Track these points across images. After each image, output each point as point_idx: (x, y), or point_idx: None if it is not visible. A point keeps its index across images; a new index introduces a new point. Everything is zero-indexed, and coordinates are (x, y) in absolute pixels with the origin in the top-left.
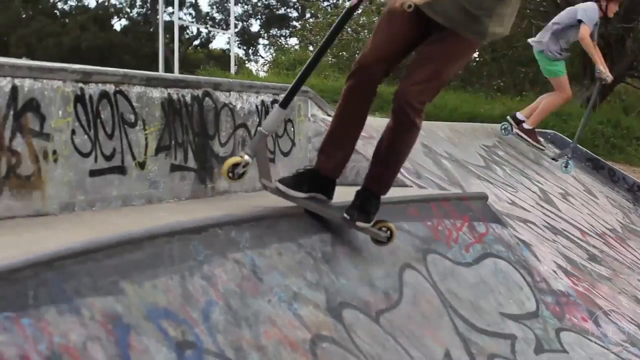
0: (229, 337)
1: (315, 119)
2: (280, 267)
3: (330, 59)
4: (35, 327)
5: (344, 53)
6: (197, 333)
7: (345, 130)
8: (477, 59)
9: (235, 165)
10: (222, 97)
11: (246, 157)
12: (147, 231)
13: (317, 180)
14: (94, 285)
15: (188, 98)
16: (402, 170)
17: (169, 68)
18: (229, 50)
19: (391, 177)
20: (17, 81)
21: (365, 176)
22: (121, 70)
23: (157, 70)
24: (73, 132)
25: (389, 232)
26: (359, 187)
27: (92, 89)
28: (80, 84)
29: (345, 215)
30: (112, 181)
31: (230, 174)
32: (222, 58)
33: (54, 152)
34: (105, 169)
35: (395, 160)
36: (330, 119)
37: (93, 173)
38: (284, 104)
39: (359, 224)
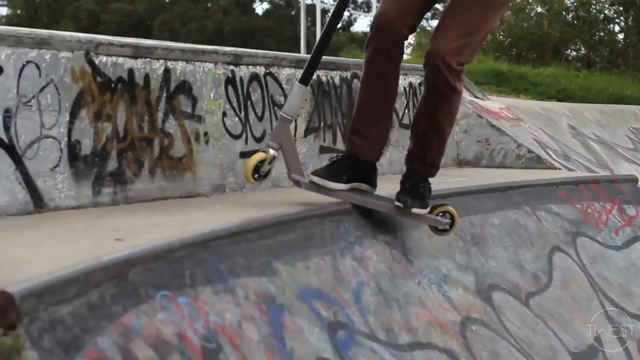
0: (380, 318)
1: (463, 101)
2: (429, 249)
3: None
4: (191, 306)
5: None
6: (349, 314)
7: (378, 102)
8: (624, 40)
9: (260, 162)
10: None
11: (271, 152)
12: (300, 212)
13: (356, 166)
14: (248, 265)
15: (337, 80)
16: (549, 152)
17: (310, 51)
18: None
19: (437, 155)
20: (169, 64)
21: (406, 157)
22: (271, 53)
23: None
24: (224, 114)
25: (449, 216)
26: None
27: (243, 71)
28: (231, 67)
29: (397, 203)
30: None
31: (256, 175)
32: (363, 41)
33: (205, 134)
34: (256, 151)
35: (437, 134)
36: (478, 100)
37: (243, 155)
38: (306, 81)
39: (416, 210)
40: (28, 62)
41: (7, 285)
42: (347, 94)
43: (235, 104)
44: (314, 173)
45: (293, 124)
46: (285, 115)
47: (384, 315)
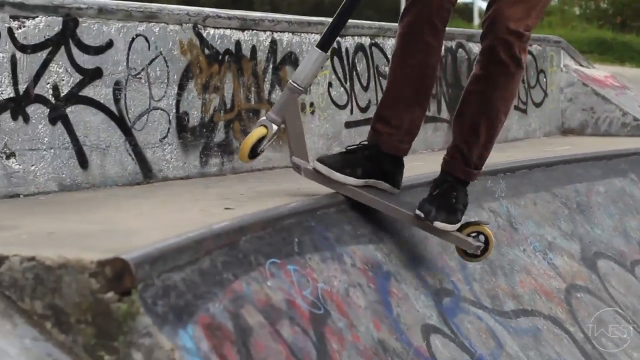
0: (485, 286)
1: (568, 69)
2: (535, 217)
3: (577, 10)
4: (300, 274)
5: (592, 3)
6: (454, 281)
7: (414, 84)
8: None
9: (259, 141)
10: (475, 48)
11: (274, 127)
12: (406, 180)
13: (377, 160)
14: (355, 233)
15: (442, 49)
16: None
17: None
18: (471, 3)
19: (484, 152)
20: (276, 35)
21: (444, 156)
22: (376, 23)
23: None
24: (330, 84)
25: (482, 237)
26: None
27: (349, 42)
28: (337, 37)
29: (417, 212)
30: (366, 133)
31: (251, 155)
32: (464, 11)
33: (311, 105)
34: (361, 121)
35: (489, 122)
36: (583, 69)
37: (349, 125)
38: (325, 46)
39: (438, 224)
40: (137, 35)
41: (122, 253)
42: (452, 63)
43: (340, 75)
44: (320, 160)
45: None
46: (294, 85)
47: (489, 282)
